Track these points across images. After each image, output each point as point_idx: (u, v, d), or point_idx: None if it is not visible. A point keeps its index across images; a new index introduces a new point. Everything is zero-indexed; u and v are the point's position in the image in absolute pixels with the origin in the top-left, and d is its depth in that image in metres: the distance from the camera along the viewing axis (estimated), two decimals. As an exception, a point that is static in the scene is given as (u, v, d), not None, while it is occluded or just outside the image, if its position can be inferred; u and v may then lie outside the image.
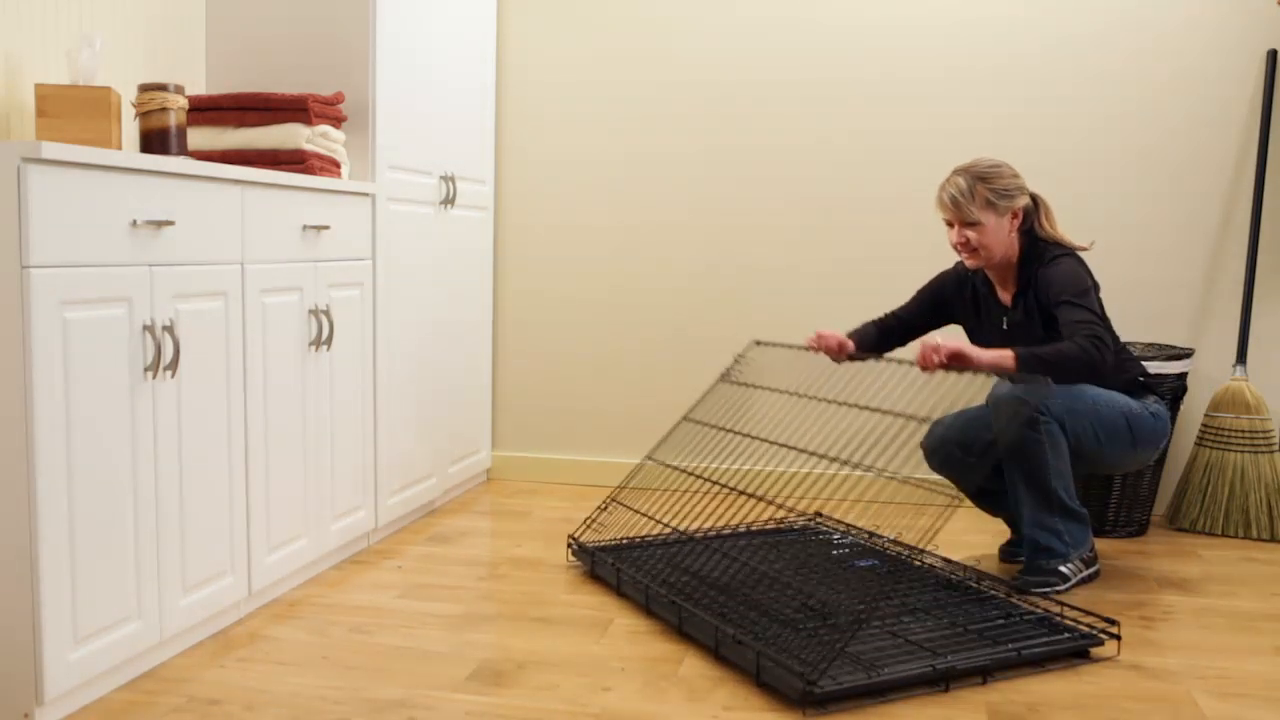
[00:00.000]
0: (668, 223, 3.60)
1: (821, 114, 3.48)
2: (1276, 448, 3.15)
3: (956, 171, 2.62)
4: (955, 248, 2.65)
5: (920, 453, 3.37)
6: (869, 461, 3.27)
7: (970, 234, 2.60)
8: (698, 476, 2.46)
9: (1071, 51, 3.34)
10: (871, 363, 2.89)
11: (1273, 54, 3.21)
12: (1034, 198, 2.69)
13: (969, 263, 2.65)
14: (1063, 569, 2.56)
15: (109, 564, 1.90)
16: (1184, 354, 3.10)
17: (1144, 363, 3.04)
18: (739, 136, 3.54)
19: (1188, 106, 3.29)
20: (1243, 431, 3.13)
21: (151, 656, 2.08)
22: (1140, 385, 2.67)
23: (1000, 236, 2.60)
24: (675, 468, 2.66)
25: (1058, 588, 2.55)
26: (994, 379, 3.18)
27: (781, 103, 3.50)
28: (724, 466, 3.58)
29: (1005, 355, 2.41)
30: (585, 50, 3.61)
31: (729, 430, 2.61)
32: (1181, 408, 3.29)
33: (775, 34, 3.49)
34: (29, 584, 1.75)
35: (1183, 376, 3.11)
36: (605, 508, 2.87)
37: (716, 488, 3.58)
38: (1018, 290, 2.67)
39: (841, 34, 3.45)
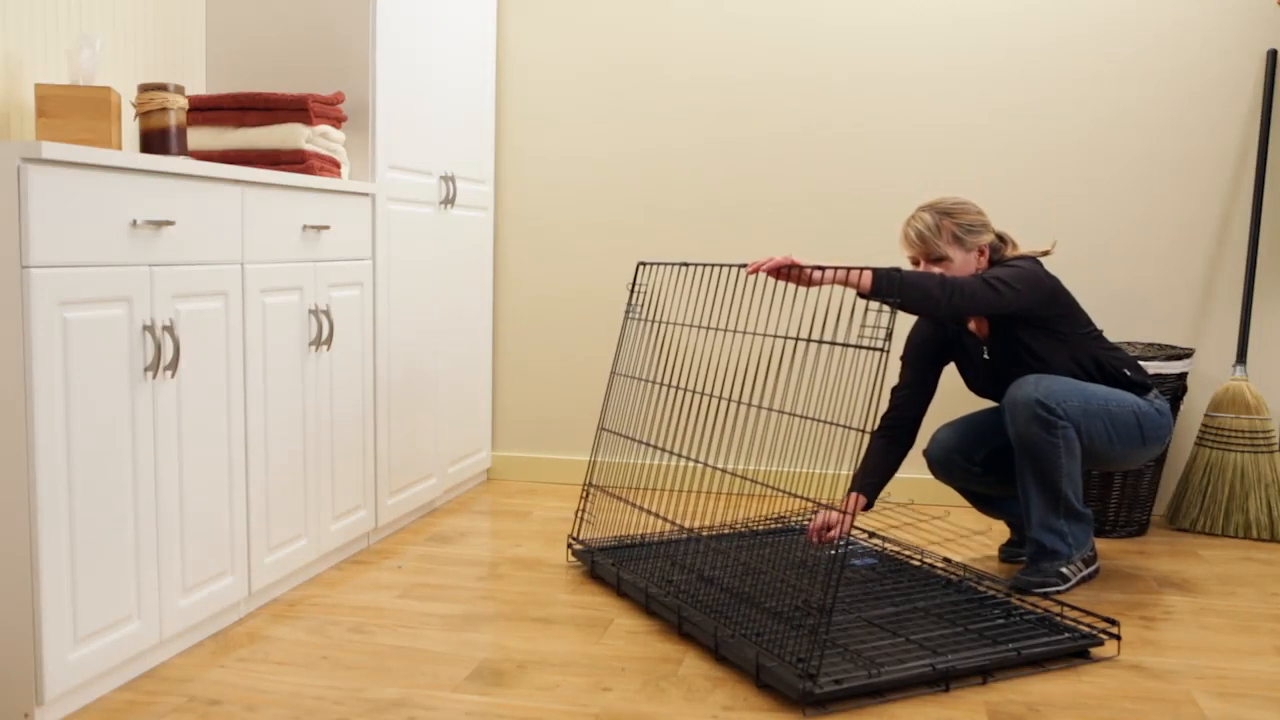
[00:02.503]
0: (669, 222, 3.60)
1: (824, 110, 3.48)
2: (1276, 448, 3.15)
3: (922, 209, 2.59)
4: None
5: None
6: (791, 396, 3.30)
7: (937, 270, 2.55)
8: (661, 449, 2.46)
9: (1071, 51, 3.34)
10: (770, 281, 2.77)
11: (1273, 54, 3.21)
12: (1001, 236, 2.68)
13: None
14: (1064, 570, 2.56)
15: (109, 564, 1.90)
16: (1184, 354, 3.10)
17: (1143, 363, 3.04)
18: (740, 134, 3.54)
19: (1187, 106, 3.29)
20: (1243, 431, 3.13)
21: (151, 656, 2.08)
22: (1139, 384, 2.67)
23: (967, 273, 2.56)
24: (634, 439, 2.68)
25: (1058, 588, 2.55)
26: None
27: (783, 99, 3.50)
28: (674, 430, 3.58)
29: (858, 272, 2.28)
30: (585, 50, 3.61)
31: (664, 384, 2.63)
32: (1181, 408, 3.29)
33: (775, 31, 3.49)
34: (29, 584, 1.75)
35: (1183, 376, 3.11)
36: (586, 495, 2.89)
37: (699, 475, 3.57)
38: (989, 318, 2.65)
39: (842, 31, 3.45)
